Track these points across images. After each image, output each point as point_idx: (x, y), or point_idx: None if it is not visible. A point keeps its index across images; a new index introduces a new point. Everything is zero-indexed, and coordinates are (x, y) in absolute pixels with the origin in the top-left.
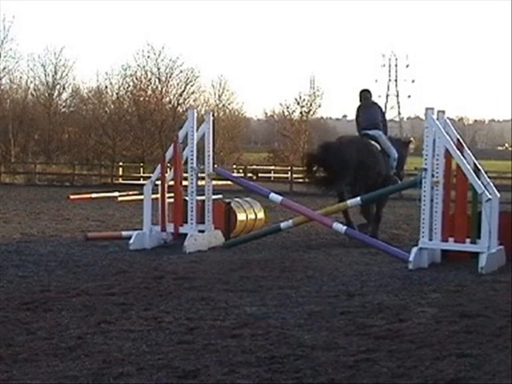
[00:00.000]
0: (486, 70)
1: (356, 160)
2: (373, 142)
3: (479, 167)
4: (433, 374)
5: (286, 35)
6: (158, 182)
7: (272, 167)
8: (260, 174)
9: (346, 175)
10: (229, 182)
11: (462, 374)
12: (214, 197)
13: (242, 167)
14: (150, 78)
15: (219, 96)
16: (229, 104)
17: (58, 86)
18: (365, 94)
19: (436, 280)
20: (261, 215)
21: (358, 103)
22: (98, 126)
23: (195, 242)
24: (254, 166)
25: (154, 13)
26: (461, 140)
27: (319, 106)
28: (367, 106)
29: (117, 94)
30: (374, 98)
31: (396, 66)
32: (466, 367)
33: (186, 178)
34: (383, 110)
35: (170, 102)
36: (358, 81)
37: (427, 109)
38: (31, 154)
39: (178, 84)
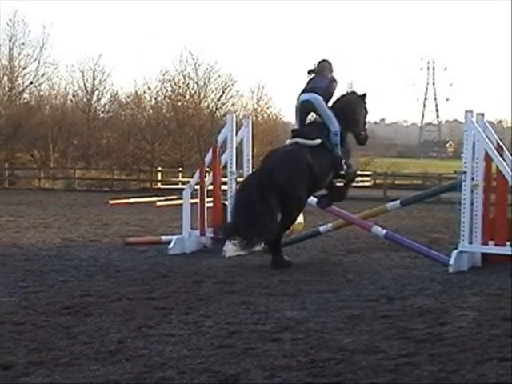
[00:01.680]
0: None
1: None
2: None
3: None
4: (474, 378)
5: (324, 39)
6: (197, 187)
7: None
8: None
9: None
10: None
11: (505, 378)
12: None
13: None
14: (188, 83)
15: (257, 100)
16: (267, 108)
17: (96, 92)
18: (323, 64)
19: (476, 283)
20: (300, 219)
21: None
22: (137, 131)
23: (235, 246)
24: None
25: (191, 18)
26: (500, 143)
27: None
28: (319, 75)
29: (155, 99)
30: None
31: (434, 69)
32: (508, 371)
33: (225, 183)
34: (336, 82)
35: (208, 107)
36: (397, 84)
37: (466, 112)
38: (70, 160)
39: (216, 89)
